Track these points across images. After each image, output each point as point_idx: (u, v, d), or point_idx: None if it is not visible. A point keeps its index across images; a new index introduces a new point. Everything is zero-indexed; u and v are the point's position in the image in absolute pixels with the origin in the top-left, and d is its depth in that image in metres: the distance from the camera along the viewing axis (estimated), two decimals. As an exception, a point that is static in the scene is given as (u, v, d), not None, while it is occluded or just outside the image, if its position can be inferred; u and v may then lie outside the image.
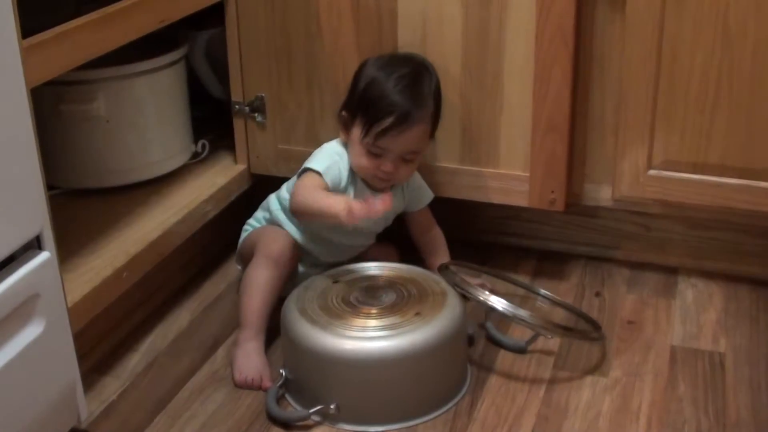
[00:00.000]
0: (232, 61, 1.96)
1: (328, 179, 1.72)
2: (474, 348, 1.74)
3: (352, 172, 1.76)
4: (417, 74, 1.73)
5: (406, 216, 1.90)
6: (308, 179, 1.73)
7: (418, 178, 1.86)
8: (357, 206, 1.58)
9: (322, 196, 1.68)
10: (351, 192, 1.76)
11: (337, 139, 1.80)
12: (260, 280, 1.70)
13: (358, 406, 1.55)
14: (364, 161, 1.72)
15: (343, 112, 1.76)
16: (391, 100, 1.68)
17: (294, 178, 1.81)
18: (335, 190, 1.73)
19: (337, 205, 1.62)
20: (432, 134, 1.77)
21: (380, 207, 1.57)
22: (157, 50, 1.88)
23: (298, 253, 1.78)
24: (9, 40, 1.25)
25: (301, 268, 1.81)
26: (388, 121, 1.68)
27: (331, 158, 1.75)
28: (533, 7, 1.72)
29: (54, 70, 1.44)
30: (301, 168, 1.76)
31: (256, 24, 1.91)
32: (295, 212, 1.73)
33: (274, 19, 1.90)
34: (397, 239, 1.93)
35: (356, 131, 1.72)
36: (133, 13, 1.60)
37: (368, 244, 1.89)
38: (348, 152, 1.76)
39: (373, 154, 1.71)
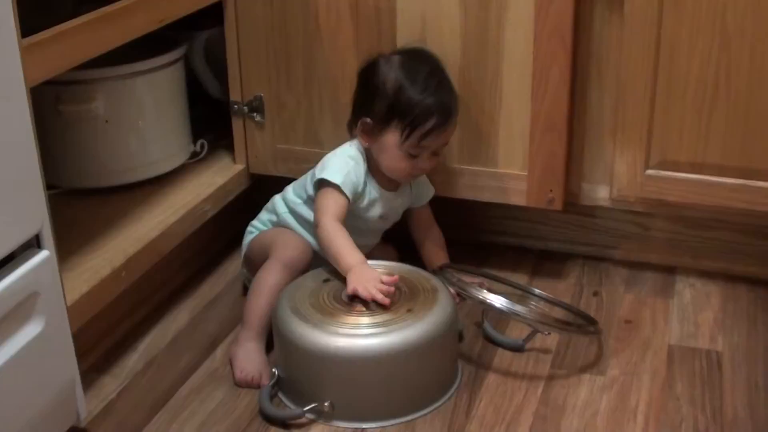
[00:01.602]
0: (231, 60, 1.96)
1: (347, 190, 1.72)
2: (471, 346, 1.75)
3: (366, 176, 1.77)
4: (435, 69, 1.75)
5: (407, 212, 1.90)
6: (329, 198, 1.72)
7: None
8: (365, 291, 1.59)
9: (343, 246, 1.67)
10: (366, 195, 1.77)
11: (350, 142, 1.80)
12: (271, 283, 1.70)
13: (351, 403, 1.55)
14: (402, 164, 1.74)
15: (368, 120, 1.74)
16: (429, 101, 1.70)
17: (303, 180, 1.82)
18: (354, 197, 1.73)
19: (349, 270, 1.64)
20: None
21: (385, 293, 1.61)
22: (155, 50, 1.88)
23: (312, 258, 1.78)
24: (8, 40, 1.25)
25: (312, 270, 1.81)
26: (431, 122, 1.70)
27: (347, 165, 1.75)
28: (531, 7, 1.72)
29: (53, 69, 1.44)
30: (317, 177, 1.74)
31: (254, 24, 1.91)
32: (315, 234, 1.73)
33: (273, 18, 1.90)
34: (396, 239, 1.94)
35: (391, 137, 1.72)
36: (132, 13, 1.60)
37: (374, 243, 1.89)
38: (365, 156, 1.77)
39: (412, 155, 1.73)
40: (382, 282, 1.61)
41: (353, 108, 1.79)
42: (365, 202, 1.77)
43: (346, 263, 1.65)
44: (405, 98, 1.71)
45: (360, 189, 1.75)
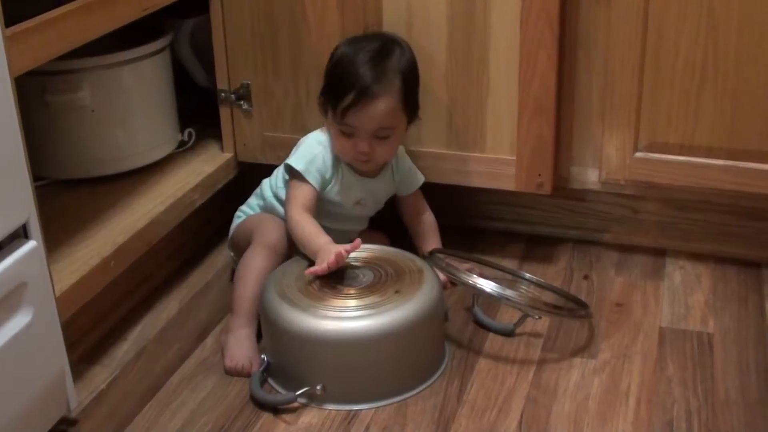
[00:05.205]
0: (217, 48, 1.95)
1: (311, 177, 1.72)
2: (462, 332, 1.75)
3: (336, 160, 1.76)
4: (384, 48, 1.72)
5: (397, 200, 1.90)
6: (295, 189, 1.73)
7: (407, 161, 1.86)
8: (328, 264, 1.60)
9: (309, 232, 1.68)
10: (336, 181, 1.76)
11: (321, 128, 1.80)
12: (256, 268, 1.70)
13: (342, 386, 1.55)
14: (340, 142, 1.73)
15: (321, 97, 1.76)
16: (352, 76, 1.68)
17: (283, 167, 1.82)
18: (321, 182, 1.73)
19: (318, 251, 1.64)
20: (408, 112, 1.74)
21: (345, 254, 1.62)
22: (141, 39, 1.87)
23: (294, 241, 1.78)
24: (-9, 29, 1.25)
25: (295, 255, 1.81)
26: (349, 97, 1.67)
27: (312, 151, 1.75)
28: (518, -10, 1.72)
29: (38, 58, 1.43)
30: (285, 163, 1.76)
31: (240, 11, 1.90)
32: (287, 224, 1.73)
33: (259, 6, 1.89)
34: (387, 225, 1.93)
35: (330, 113, 1.72)
36: (117, 1, 1.59)
37: (360, 229, 1.89)
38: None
39: (346, 134, 1.71)
40: (345, 250, 1.61)
41: None
42: (337, 186, 1.77)
43: (313, 246, 1.65)
44: (337, 71, 1.71)
45: (328, 174, 1.75)
